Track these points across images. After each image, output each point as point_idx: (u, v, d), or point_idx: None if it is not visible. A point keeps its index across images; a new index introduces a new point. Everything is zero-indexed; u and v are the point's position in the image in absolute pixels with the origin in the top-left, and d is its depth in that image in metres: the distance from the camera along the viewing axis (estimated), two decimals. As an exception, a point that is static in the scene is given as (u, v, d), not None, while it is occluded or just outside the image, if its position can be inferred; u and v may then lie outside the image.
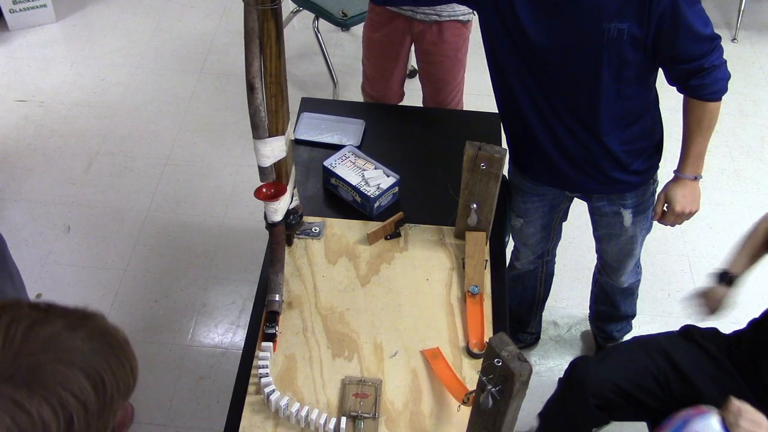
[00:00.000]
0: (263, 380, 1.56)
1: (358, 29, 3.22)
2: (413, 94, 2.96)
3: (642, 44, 1.65)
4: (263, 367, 1.58)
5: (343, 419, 1.51)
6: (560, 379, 2.02)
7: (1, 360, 0.75)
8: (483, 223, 1.85)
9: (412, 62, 3.09)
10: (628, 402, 1.86)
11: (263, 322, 1.68)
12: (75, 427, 0.77)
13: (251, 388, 1.59)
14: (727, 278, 1.81)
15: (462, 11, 2.44)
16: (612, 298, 2.42)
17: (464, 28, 2.51)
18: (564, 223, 2.28)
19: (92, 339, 0.82)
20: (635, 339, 1.99)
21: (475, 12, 2.26)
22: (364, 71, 2.78)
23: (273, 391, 1.54)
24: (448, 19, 2.45)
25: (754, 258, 1.81)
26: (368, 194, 1.93)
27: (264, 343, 1.63)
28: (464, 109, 2.78)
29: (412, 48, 2.65)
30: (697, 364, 1.84)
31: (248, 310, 2.16)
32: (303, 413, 1.50)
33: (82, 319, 0.84)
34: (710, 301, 1.82)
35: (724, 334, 1.89)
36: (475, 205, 1.80)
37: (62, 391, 0.76)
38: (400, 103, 2.83)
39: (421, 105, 2.83)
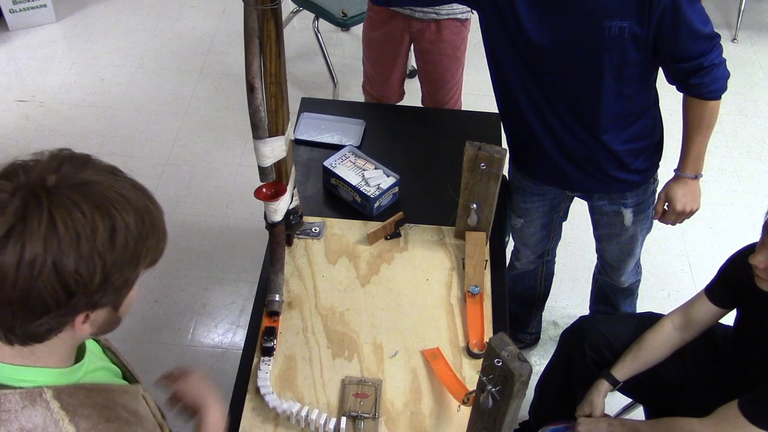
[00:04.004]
0: (267, 398, 1.54)
1: (358, 29, 3.21)
2: (413, 94, 2.96)
3: (643, 42, 1.65)
4: (265, 387, 1.57)
5: (343, 419, 1.51)
6: (563, 332, 2.04)
7: (67, 171, 0.89)
8: (483, 223, 1.85)
9: (412, 62, 3.10)
10: None
11: (261, 335, 1.67)
12: (117, 238, 0.89)
13: (250, 387, 1.59)
14: (611, 380, 1.85)
15: (461, 10, 2.44)
16: (612, 298, 2.42)
17: (463, 27, 2.51)
18: (564, 223, 2.28)
19: (136, 188, 0.96)
20: (647, 312, 2.00)
21: (474, 11, 2.26)
22: (364, 70, 2.78)
23: (279, 407, 1.53)
24: (446, 17, 2.45)
25: (640, 367, 1.85)
26: (368, 194, 1.93)
27: (264, 357, 1.62)
28: (464, 109, 2.78)
29: (412, 47, 2.65)
30: (696, 350, 1.85)
31: (248, 310, 2.16)
32: (303, 413, 1.50)
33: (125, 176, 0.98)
34: (594, 408, 1.85)
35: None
36: (475, 206, 1.80)
37: (112, 207, 0.89)
38: (400, 103, 2.83)
39: (421, 105, 2.84)
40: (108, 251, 0.88)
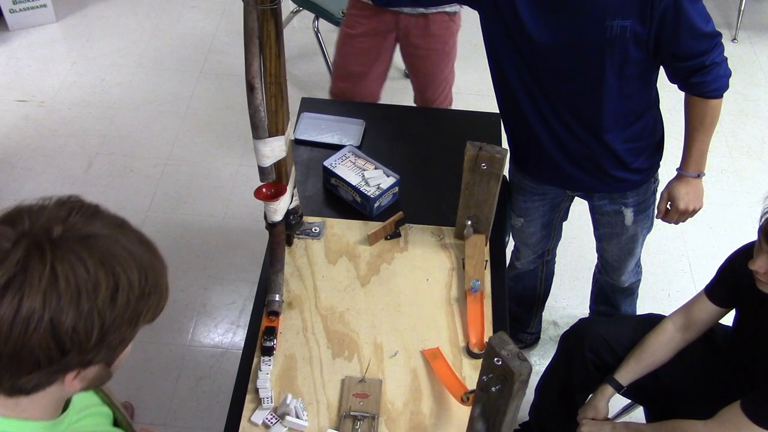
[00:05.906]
0: (260, 410, 1.54)
1: (358, 29, 3.21)
2: (411, 94, 2.95)
3: (644, 42, 1.65)
4: (264, 389, 1.57)
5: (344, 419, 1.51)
6: (563, 333, 2.04)
7: (74, 222, 0.87)
8: (483, 224, 1.85)
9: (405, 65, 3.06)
10: None
11: (261, 333, 1.67)
12: (119, 297, 0.87)
13: (250, 387, 1.59)
14: (615, 385, 1.86)
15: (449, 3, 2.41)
16: (612, 298, 2.42)
17: (451, 21, 2.47)
18: (564, 223, 2.28)
19: (142, 243, 0.93)
20: (646, 314, 2.00)
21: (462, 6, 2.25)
22: (335, 71, 2.66)
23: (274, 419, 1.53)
24: (434, 11, 2.40)
25: (644, 370, 1.85)
26: (368, 194, 1.93)
27: (264, 357, 1.62)
28: (464, 109, 2.77)
29: (398, 48, 2.60)
30: (696, 351, 1.85)
31: (248, 310, 2.16)
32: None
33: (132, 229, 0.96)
34: (597, 413, 1.86)
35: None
36: (470, 222, 1.81)
37: (116, 264, 0.87)
38: (400, 103, 2.81)
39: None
40: (108, 310, 0.86)
